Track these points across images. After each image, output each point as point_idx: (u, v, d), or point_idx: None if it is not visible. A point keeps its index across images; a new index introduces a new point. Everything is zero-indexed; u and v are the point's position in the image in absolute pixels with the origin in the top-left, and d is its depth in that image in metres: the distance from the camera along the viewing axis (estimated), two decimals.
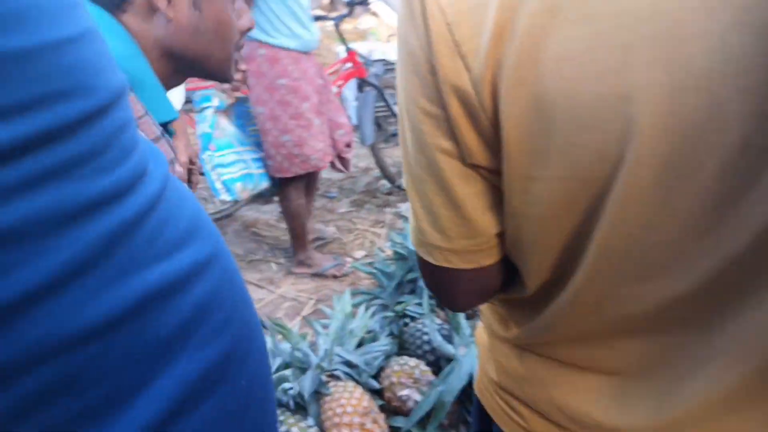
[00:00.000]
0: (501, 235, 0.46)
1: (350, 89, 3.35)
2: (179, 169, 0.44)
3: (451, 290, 0.50)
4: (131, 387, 0.25)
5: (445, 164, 0.42)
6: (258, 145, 2.41)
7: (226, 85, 2.22)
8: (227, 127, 2.35)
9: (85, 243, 0.22)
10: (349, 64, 3.10)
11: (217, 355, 0.29)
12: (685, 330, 0.41)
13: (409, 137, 0.44)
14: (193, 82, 2.26)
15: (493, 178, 0.42)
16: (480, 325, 0.62)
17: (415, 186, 0.45)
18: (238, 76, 2.16)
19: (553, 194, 0.39)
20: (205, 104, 2.30)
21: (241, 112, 2.40)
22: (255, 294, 2.32)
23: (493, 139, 0.39)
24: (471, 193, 0.43)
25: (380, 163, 3.23)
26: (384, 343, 1.48)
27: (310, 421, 1.24)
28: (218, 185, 2.33)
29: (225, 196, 2.36)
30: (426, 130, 0.41)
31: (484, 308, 0.59)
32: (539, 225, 0.41)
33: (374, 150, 3.18)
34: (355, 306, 1.78)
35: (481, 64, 0.36)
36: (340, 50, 3.24)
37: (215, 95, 2.28)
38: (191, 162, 1.55)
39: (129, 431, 0.24)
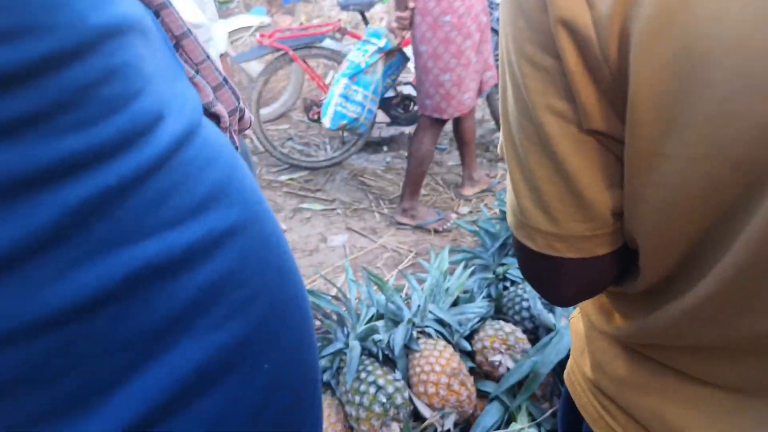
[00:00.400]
0: (621, 217, 0.38)
1: None
2: (249, 116, 0.41)
3: (553, 283, 0.42)
4: (110, 379, 0.22)
5: (556, 129, 0.34)
6: (382, 99, 2.52)
7: (394, 24, 2.24)
8: (377, 72, 2.43)
9: (51, 213, 0.19)
10: None
11: (232, 338, 0.25)
12: None
13: (510, 95, 0.36)
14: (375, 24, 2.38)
15: (617, 147, 0.34)
16: (576, 309, 0.55)
17: (515, 155, 0.38)
18: (405, 14, 2.17)
19: (689, 177, 0.30)
20: (373, 39, 2.37)
21: (396, 61, 2.48)
22: (357, 242, 2.36)
23: (617, 99, 0.32)
24: (587, 167, 0.35)
25: (495, 115, 3.08)
26: (480, 305, 1.43)
27: (398, 375, 1.24)
28: (331, 110, 2.45)
29: (326, 122, 2.49)
30: (533, 87, 0.34)
31: None
32: (664, 213, 0.33)
33: (490, 100, 3.02)
34: (455, 263, 1.74)
35: (609, 1, 0.28)
36: None
37: (386, 35, 2.34)
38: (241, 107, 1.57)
39: (107, 428, 0.21)
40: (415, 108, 2.95)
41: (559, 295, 0.43)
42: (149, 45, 0.25)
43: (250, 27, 3.72)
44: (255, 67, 3.77)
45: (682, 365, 0.41)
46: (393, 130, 3.35)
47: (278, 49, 2.81)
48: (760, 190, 0.28)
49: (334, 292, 1.83)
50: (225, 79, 0.36)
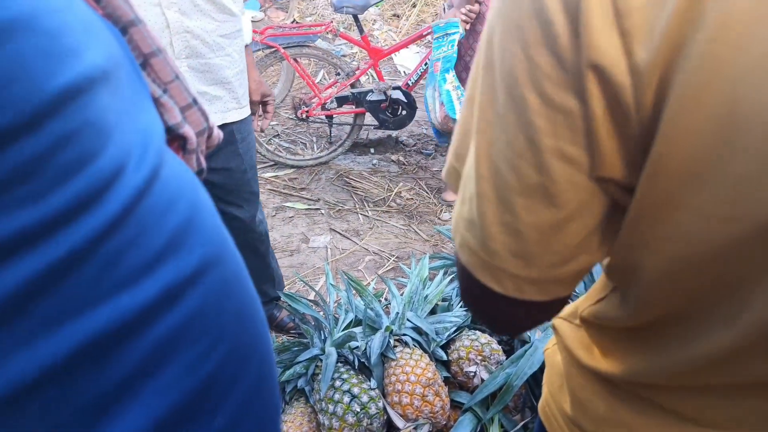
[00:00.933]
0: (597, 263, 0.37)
1: None
2: (217, 133, 0.40)
3: (511, 320, 0.41)
4: None
5: (563, 176, 0.31)
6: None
7: (462, 17, 2.32)
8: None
9: None
10: None
11: (184, 395, 0.24)
12: None
13: (505, 131, 0.32)
14: (445, 17, 2.46)
15: (622, 195, 0.32)
16: (553, 339, 0.54)
17: (496, 197, 0.34)
18: (475, 8, 2.26)
19: (709, 234, 0.29)
20: (452, 30, 2.44)
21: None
22: (340, 244, 2.35)
23: (639, 146, 0.29)
24: (584, 215, 0.33)
25: None
26: (457, 314, 1.44)
27: (373, 383, 1.24)
28: (458, 105, 2.48)
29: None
30: (542, 128, 0.30)
31: (560, 324, 0.50)
32: (674, 265, 0.32)
33: None
34: (435, 270, 1.73)
35: (651, 49, 0.26)
36: None
37: (460, 24, 2.40)
38: (265, 95, 1.55)
39: None
40: (403, 112, 2.95)
41: (512, 329, 0.43)
42: (114, 85, 0.23)
43: None
44: None
45: (673, 404, 0.40)
46: (380, 133, 3.35)
47: (269, 47, 2.78)
48: None
49: (312, 295, 1.82)
50: (194, 100, 0.35)
